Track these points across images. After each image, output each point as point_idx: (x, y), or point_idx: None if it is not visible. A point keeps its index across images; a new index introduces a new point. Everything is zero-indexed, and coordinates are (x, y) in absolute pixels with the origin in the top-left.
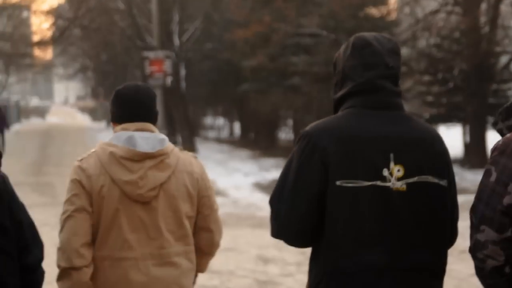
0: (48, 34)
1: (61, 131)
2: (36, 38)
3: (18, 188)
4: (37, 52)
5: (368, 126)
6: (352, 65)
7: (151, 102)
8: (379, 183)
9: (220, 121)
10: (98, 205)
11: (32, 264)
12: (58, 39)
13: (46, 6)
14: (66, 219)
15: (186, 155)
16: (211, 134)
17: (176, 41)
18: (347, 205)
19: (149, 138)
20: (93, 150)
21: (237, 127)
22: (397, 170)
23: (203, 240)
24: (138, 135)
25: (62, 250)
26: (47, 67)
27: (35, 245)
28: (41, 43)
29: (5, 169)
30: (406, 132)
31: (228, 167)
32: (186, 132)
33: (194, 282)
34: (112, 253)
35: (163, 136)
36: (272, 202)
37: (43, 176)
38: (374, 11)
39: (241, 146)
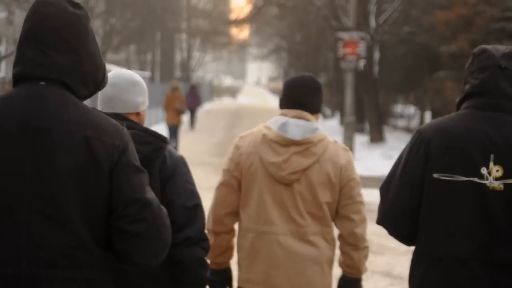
0: (245, 12)
1: (250, 112)
2: (233, 16)
3: (201, 169)
4: (233, 31)
5: (474, 127)
6: (471, 71)
7: (311, 92)
8: (476, 179)
9: (411, 109)
10: (247, 181)
11: (177, 242)
12: (254, 17)
13: None
14: (215, 189)
15: (336, 146)
16: (400, 123)
17: (372, 23)
18: (440, 197)
19: (302, 126)
20: (254, 129)
21: (428, 117)
22: (495, 170)
23: (344, 229)
24: (292, 121)
25: (209, 215)
26: (242, 46)
27: (188, 226)
28: (238, 21)
29: (191, 148)
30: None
31: None
32: (374, 119)
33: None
34: (257, 226)
35: (316, 126)
36: (381, 190)
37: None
38: None
39: None
